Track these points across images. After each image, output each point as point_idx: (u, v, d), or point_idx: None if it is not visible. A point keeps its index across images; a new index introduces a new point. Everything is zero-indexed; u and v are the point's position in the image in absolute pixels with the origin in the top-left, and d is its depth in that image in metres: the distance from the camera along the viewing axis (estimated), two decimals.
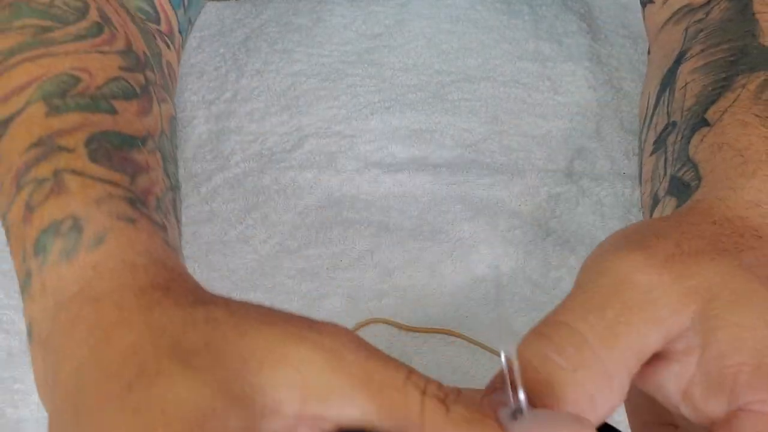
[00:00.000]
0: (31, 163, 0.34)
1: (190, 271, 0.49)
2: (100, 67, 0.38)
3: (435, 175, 0.55)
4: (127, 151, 0.36)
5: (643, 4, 0.52)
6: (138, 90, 0.40)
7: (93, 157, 0.34)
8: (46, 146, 0.35)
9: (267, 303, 0.46)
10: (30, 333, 0.33)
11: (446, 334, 0.44)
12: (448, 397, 0.26)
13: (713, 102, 0.38)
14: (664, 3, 0.49)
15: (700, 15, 0.45)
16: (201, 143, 0.58)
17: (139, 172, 0.36)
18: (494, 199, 0.53)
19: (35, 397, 0.41)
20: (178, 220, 0.39)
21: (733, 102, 0.37)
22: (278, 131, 0.59)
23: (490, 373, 0.42)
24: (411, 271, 0.48)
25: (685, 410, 0.26)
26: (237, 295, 0.47)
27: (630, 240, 0.28)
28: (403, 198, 0.53)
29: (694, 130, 0.38)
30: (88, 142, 0.35)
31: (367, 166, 0.56)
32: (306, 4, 0.77)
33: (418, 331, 0.44)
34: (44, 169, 0.34)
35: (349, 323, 0.45)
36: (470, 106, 0.63)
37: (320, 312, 0.46)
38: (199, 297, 0.28)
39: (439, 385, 0.26)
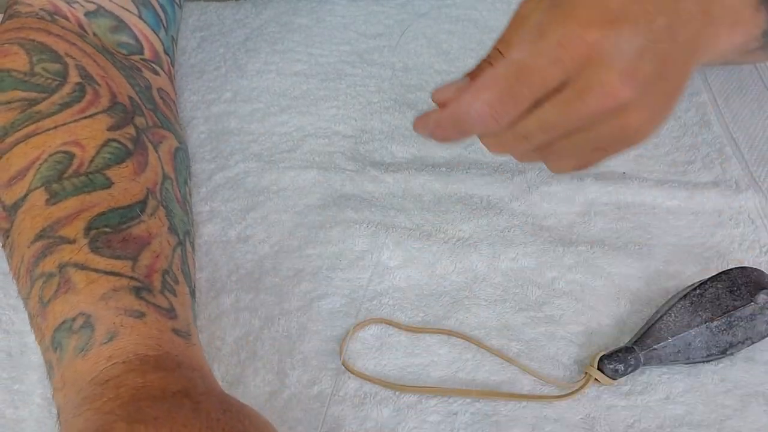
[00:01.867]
0: (38, 257, 0.36)
1: None
2: (89, 135, 0.40)
3: (434, 174, 0.55)
4: (126, 229, 0.37)
5: None
6: (131, 146, 0.40)
7: (94, 247, 0.36)
8: (49, 239, 0.36)
9: (266, 302, 0.46)
10: (58, 416, 0.35)
11: (446, 334, 0.44)
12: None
13: None
14: None
15: None
16: (201, 143, 0.58)
17: (141, 249, 0.37)
18: (494, 198, 0.53)
19: (35, 398, 0.41)
20: (190, 276, 0.40)
21: None
22: (278, 131, 0.59)
23: (490, 373, 0.42)
24: (410, 270, 0.48)
25: None
26: (236, 294, 0.47)
27: None
28: (403, 198, 0.53)
29: None
30: (87, 231, 0.36)
31: (366, 166, 0.55)
32: (306, 4, 0.77)
33: (418, 331, 0.44)
34: (50, 264, 0.36)
35: (348, 323, 0.45)
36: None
37: (320, 312, 0.46)
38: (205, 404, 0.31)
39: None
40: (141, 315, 0.35)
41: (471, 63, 0.67)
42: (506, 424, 0.40)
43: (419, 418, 0.40)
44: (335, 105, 0.62)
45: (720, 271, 0.43)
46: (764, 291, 0.42)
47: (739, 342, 0.41)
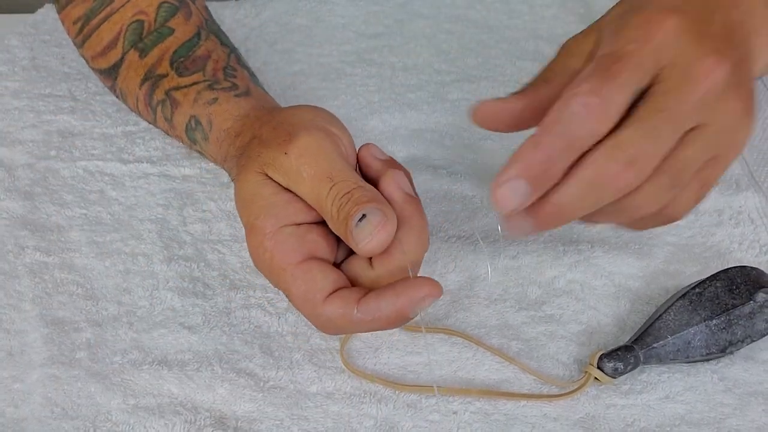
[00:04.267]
0: (149, 93, 0.53)
1: (189, 271, 0.49)
2: (148, 3, 0.54)
3: (435, 174, 0.55)
4: (193, 53, 0.53)
5: None
6: (177, 3, 0.55)
7: (178, 73, 0.52)
8: (151, 79, 0.53)
9: (265, 302, 0.46)
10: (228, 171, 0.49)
11: (447, 333, 0.44)
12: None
13: None
14: None
15: None
16: None
17: (206, 61, 0.52)
18: None
19: (35, 397, 0.41)
20: (246, 66, 0.54)
21: None
22: None
23: (490, 373, 0.42)
24: None
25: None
26: (236, 293, 0.47)
27: None
28: None
29: None
30: (171, 64, 0.52)
31: None
32: (305, 4, 0.77)
33: (418, 331, 0.44)
34: (159, 94, 0.52)
35: None
36: (470, 106, 0.63)
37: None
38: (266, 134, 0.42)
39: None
40: (215, 100, 0.49)
41: (471, 63, 0.67)
42: (506, 423, 0.40)
43: (419, 417, 0.40)
44: (335, 105, 0.62)
45: (719, 270, 0.43)
46: (763, 289, 0.42)
47: (739, 341, 0.41)
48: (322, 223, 0.39)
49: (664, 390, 0.41)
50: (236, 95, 0.49)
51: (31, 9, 0.78)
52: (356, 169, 0.41)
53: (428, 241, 0.39)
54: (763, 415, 0.40)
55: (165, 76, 0.52)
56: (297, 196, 0.39)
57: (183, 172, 0.56)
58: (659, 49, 0.33)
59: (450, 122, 0.61)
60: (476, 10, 0.76)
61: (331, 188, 0.37)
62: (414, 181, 0.55)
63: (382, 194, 0.38)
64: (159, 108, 0.52)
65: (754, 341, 0.42)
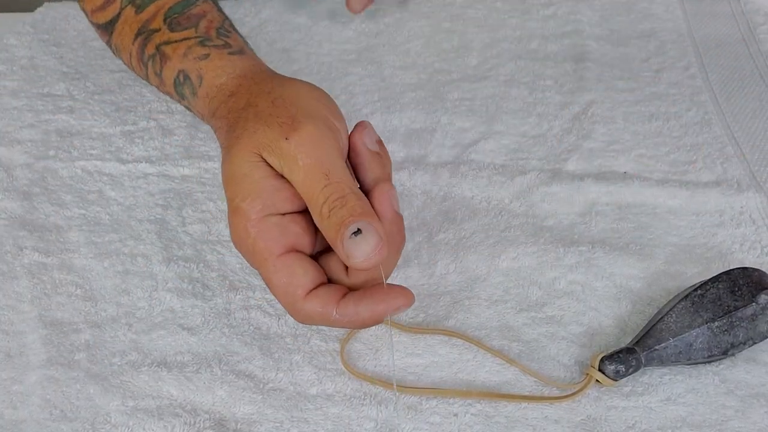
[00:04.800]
0: (141, 47, 0.53)
1: (188, 271, 0.49)
2: None
3: (434, 174, 0.55)
4: (188, 11, 0.54)
5: None
6: None
7: (171, 28, 0.52)
8: (144, 33, 0.53)
9: (265, 303, 0.46)
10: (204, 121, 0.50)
11: (447, 335, 0.44)
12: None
13: None
14: None
15: None
16: (202, 142, 0.58)
17: (199, 19, 0.53)
18: (494, 199, 0.53)
19: (34, 398, 0.41)
20: (237, 31, 0.55)
21: None
22: None
23: (491, 374, 0.42)
24: (411, 270, 0.48)
25: None
26: (235, 293, 0.47)
27: None
28: (402, 197, 0.53)
29: None
30: (165, 20, 0.53)
31: None
32: (305, 3, 0.77)
33: (419, 332, 0.44)
34: (150, 48, 0.53)
35: None
36: (469, 105, 0.62)
37: None
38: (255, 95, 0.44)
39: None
40: (206, 56, 0.50)
41: (470, 63, 0.67)
42: (507, 425, 0.40)
43: (419, 419, 0.40)
44: None
45: (721, 271, 0.43)
46: (765, 291, 0.42)
47: (741, 342, 0.41)
48: (304, 212, 0.40)
49: (665, 392, 0.41)
50: (230, 53, 0.50)
51: (29, 8, 0.77)
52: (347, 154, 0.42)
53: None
54: (765, 417, 0.40)
55: (157, 30, 0.53)
56: (286, 182, 0.39)
57: (182, 172, 0.56)
58: None
59: (449, 122, 0.61)
60: (476, 9, 0.75)
61: (325, 186, 0.38)
62: (413, 181, 0.55)
63: (373, 205, 0.39)
64: (150, 63, 0.53)
65: (756, 343, 0.42)
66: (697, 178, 0.54)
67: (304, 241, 0.40)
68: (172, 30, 0.52)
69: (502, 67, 0.67)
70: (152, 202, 0.53)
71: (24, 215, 0.52)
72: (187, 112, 0.61)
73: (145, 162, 0.57)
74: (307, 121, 0.40)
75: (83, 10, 0.59)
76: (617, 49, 0.69)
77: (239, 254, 0.49)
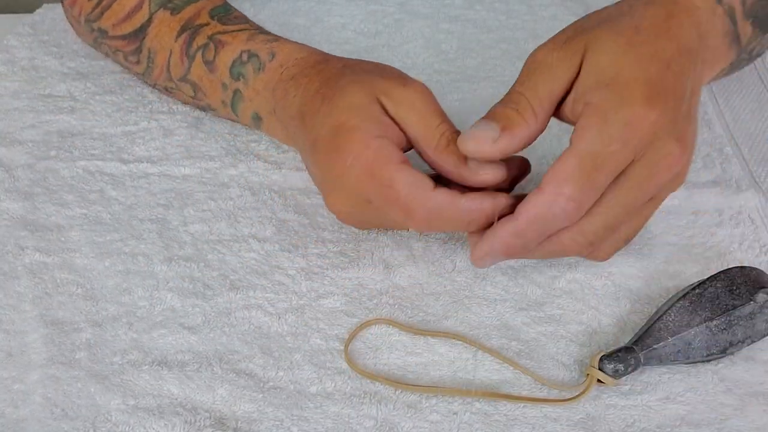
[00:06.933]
0: (189, 41, 0.54)
1: (189, 271, 0.49)
2: None
3: None
4: (231, 14, 0.56)
5: None
6: None
7: (222, 22, 0.54)
8: (189, 29, 0.55)
9: (265, 302, 0.46)
10: (259, 119, 0.54)
11: (450, 338, 0.44)
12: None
13: None
14: None
15: None
16: (204, 145, 0.58)
17: (247, 19, 0.55)
18: None
19: (35, 397, 0.41)
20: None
21: None
22: None
23: (491, 373, 0.42)
24: (411, 269, 0.48)
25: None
26: (236, 293, 0.47)
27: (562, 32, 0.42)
28: None
29: None
30: (212, 17, 0.55)
31: None
32: (304, 3, 0.77)
33: (420, 334, 0.44)
34: (201, 39, 0.54)
35: (348, 322, 0.45)
36: (470, 106, 0.63)
37: (320, 311, 0.46)
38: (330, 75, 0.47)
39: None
40: (276, 39, 0.52)
41: (470, 63, 0.67)
42: (506, 424, 0.40)
43: (419, 418, 0.40)
44: None
45: (720, 270, 0.43)
46: (764, 290, 0.42)
47: (739, 341, 0.41)
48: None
49: (664, 391, 0.41)
50: (285, 42, 0.53)
51: (29, 9, 0.78)
52: None
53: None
54: (764, 415, 0.40)
55: (206, 24, 0.55)
56: (397, 125, 0.43)
57: (183, 171, 0.56)
58: (638, 148, 0.38)
59: None
60: (476, 10, 0.76)
61: (440, 123, 0.43)
62: None
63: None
64: (199, 53, 0.54)
65: (754, 342, 0.42)
66: (696, 178, 0.54)
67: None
68: (223, 24, 0.54)
69: (502, 68, 0.67)
70: (153, 202, 0.54)
71: (25, 215, 0.53)
72: (189, 112, 0.61)
73: (147, 162, 0.57)
74: (413, 78, 0.45)
75: (98, 29, 0.60)
76: None
77: (239, 253, 0.49)
